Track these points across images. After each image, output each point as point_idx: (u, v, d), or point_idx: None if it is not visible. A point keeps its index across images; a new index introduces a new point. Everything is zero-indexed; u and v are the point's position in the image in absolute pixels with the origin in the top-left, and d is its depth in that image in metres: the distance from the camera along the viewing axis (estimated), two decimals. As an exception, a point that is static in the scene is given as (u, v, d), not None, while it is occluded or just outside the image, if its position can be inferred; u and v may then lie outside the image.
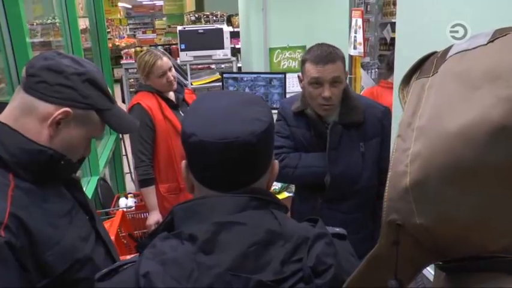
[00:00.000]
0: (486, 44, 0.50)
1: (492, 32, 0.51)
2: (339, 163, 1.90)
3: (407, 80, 0.60)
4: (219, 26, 5.22)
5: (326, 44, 1.84)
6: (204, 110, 0.83)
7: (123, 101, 5.03)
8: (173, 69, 2.65)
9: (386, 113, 1.89)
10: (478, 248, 0.49)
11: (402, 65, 1.40)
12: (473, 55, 0.50)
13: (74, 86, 1.05)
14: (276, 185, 2.77)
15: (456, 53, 0.53)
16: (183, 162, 0.85)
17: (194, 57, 4.80)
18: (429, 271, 1.37)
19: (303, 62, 1.87)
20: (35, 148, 1.01)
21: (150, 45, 6.18)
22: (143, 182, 2.58)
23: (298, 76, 1.94)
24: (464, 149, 0.44)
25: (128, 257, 1.53)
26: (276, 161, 0.88)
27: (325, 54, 1.77)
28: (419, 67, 0.58)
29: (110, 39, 11.11)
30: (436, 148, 0.47)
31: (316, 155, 1.94)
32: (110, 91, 1.16)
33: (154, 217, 2.59)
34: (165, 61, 2.58)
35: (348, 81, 2.44)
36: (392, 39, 3.28)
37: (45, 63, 1.03)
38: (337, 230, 0.88)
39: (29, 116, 1.03)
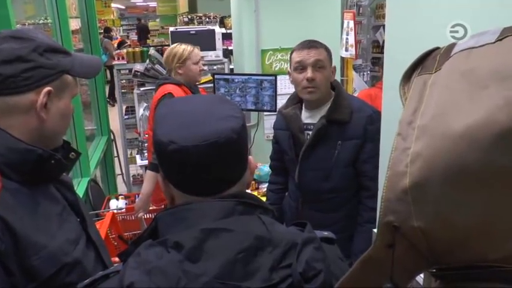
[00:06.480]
0: (494, 43, 0.47)
1: (500, 30, 0.48)
2: (310, 158, 1.96)
3: (408, 76, 0.56)
4: (211, 27, 5.20)
5: (312, 39, 1.96)
6: (175, 115, 0.80)
7: (109, 98, 4.98)
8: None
9: (372, 117, 1.92)
10: (477, 256, 0.47)
11: (391, 67, 1.40)
12: (480, 53, 0.48)
13: (38, 63, 1.00)
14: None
15: (462, 50, 0.50)
16: (159, 175, 0.83)
17: (186, 58, 4.77)
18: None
19: (290, 55, 1.99)
20: (22, 147, 0.98)
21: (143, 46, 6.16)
22: (154, 166, 2.55)
23: (288, 72, 2.00)
24: (469, 151, 0.42)
25: (118, 259, 1.51)
26: (251, 156, 0.87)
27: (308, 42, 1.92)
28: (421, 63, 0.56)
29: (102, 39, 11.00)
30: (439, 148, 0.45)
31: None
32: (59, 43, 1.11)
33: (144, 203, 2.61)
34: (199, 51, 2.79)
35: (340, 83, 2.46)
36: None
37: None
38: (326, 234, 0.87)
39: (10, 115, 0.99)
